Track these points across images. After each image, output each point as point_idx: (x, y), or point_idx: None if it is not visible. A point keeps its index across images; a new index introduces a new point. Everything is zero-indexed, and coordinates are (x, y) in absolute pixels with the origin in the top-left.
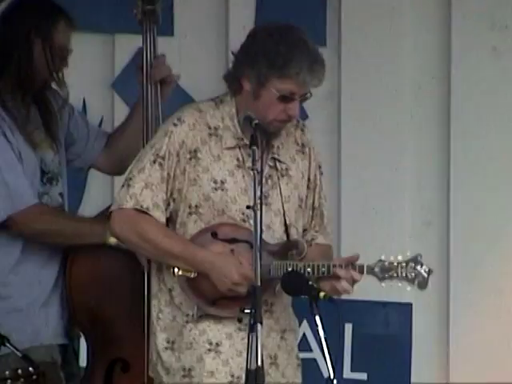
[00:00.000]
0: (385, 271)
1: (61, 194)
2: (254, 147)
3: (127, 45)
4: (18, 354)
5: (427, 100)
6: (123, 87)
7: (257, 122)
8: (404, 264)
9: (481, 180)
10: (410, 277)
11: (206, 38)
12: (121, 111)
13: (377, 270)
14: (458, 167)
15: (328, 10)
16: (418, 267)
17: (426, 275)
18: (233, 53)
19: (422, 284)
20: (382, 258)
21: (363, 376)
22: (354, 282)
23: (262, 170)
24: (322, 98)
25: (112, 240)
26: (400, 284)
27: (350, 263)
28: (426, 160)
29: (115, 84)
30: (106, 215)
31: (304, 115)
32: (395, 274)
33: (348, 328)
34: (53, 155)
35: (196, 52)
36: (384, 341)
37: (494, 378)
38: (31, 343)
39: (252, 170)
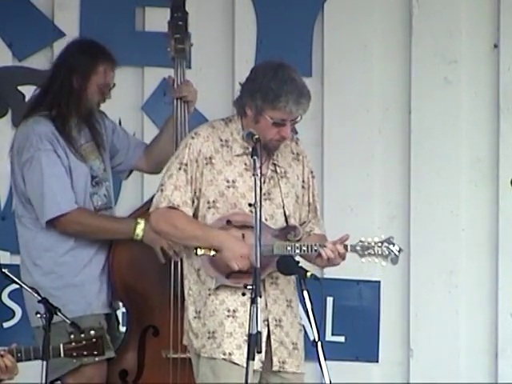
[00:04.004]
0: (364, 249)
1: (105, 195)
2: (255, 157)
3: (153, 75)
4: (68, 321)
5: (392, 119)
6: (150, 109)
7: (257, 136)
8: (380, 243)
9: (435, 182)
10: (384, 254)
11: (216, 70)
12: (149, 127)
13: (358, 248)
14: (416, 172)
15: (313, 48)
16: (391, 246)
17: (397, 253)
18: (240, 83)
19: (395, 260)
20: (362, 239)
21: (341, 339)
22: (341, 256)
23: (261, 174)
24: (309, 117)
25: (137, 236)
26: (376, 260)
27: (340, 241)
28: (391, 166)
29: (144, 106)
30: (134, 216)
31: (294, 131)
32: (373, 252)
33: (329, 300)
34: (99, 163)
35: (209, 81)
36: (358, 311)
37: (444, 339)
38: (84, 312)
39: (254, 175)
